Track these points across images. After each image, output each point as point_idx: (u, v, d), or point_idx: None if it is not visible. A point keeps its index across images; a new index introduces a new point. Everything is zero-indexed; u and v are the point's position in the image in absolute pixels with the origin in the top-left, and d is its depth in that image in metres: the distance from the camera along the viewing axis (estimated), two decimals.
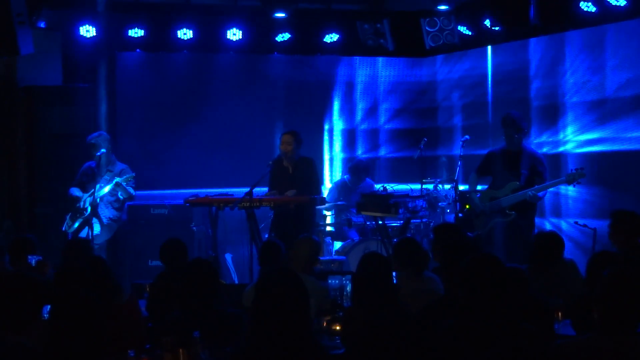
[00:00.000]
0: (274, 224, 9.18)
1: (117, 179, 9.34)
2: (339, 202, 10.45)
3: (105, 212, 9.53)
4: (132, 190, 9.47)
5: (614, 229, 6.68)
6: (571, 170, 8.71)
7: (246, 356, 3.79)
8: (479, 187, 9.31)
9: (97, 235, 9.35)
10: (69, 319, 3.84)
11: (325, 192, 10.89)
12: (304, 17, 10.95)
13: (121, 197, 9.50)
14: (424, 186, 10.10)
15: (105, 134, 9.71)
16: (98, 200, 9.39)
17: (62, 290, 4.60)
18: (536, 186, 8.65)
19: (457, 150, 10.40)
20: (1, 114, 10.28)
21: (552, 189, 9.18)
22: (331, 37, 11.17)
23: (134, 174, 9.47)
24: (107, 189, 9.37)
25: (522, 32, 10.14)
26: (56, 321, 3.87)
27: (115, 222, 9.62)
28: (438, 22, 10.86)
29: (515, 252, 8.45)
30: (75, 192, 9.54)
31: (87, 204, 9.41)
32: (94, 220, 9.41)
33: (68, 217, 9.51)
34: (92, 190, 9.35)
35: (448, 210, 10.18)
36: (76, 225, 9.43)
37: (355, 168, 10.66)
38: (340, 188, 10.65)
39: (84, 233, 9.36)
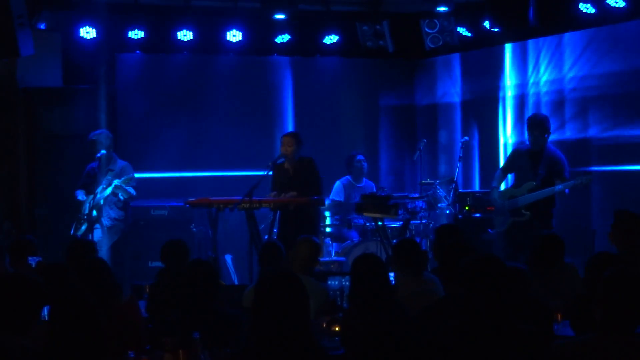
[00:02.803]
0: (276, 224, 9.18)
1: (116, 182, 9.36)
2: (335, 199, 10.48)
3: (110, 213, 9.56)
4: (132, 191, 9.49)
5: (615, 229, 6.66)
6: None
7: (246, 357, 3.80)
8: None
9: (99, 240, 9.38)
10: (69, 319, 3.85)
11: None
12: (303, 19, 10.97)
13: (122, 197, 9.53)
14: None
15: (106, 132, 9.73)
16: (101, 202, 9.42)
17: (62, 291, 4.62)
18: (565, 183, 8.53)
19: None
20: (1, 115, 10.29)
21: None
22: (331, 39, 11.20)
23: (132, 175, 9.50)
24: (107, 191, 9.39)
25: (521, 33, 10.16)
26: (56, 322, 3.88)
27: (121, 221, 9.65)
28: (437, 23, 10.88)
29: (524, 252, 8.39)
30: (80, 195, 9.56)
31: (91, 206, 9.44)
32: (96, 225, 9.44)
33: (75, 221, 9.53)
34: (95, 192, 9.38)
35: (447, 212, 10.20)
36: (83, 228, 9.46)
37: (354, 166, 10.66)
38: (347, 187, 10.66)
39: (96, 236, 9.41)
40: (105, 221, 9.55)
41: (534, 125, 8.79)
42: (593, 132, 9.94)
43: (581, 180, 8.52)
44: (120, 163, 9.63)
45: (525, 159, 8.81)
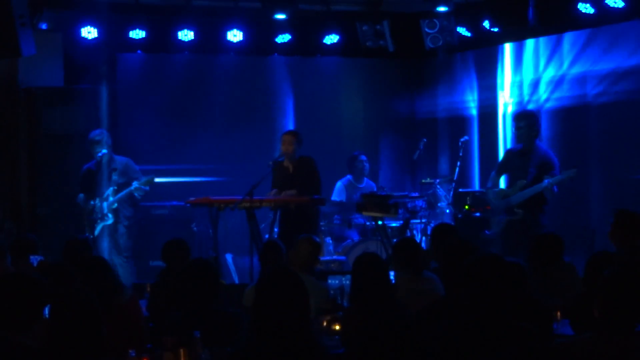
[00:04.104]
0: (277, 224, 9.20)
1: (136, 184, 9.43)
2: (336, 199, 10.51)
3: (125, 212, 9.60)
4: (147, 188, 9.57)
5: (615, 229, 6.68)
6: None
7: (246, 356, 3.81)
8: None
9: (126, 246, 9.43)
10: (69, 319, 3.86)
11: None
12: (304, 19, 10.98)
13: (138, 196, 9.59)
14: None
15: (106, 132, 9.75)
16: (115, 205, 9.45)
17: (62, 290, 4.63)
18: (552, 178, 8.62)
19: None
20: (3, 115, 10.30)
21: None
22: (331, 39, 11.21)
23: (152, 177, 9.55)
24: (123, 193, 9.44)
25: (521, 33, 10.18)
26: (57, 321, 3.89)
27: (134, 218, 9.71)
28: (437, 23, 10.88)
29: (520, 251, 8.49)
30: (83, 198, 9.53)
31: (106, 209, 9.44)
32: (120, 231, 9.46)
33: (87, 224, 9.52)
34: (106, 194, 9.40)
35: (447, 211, 10.22)
36: (98, 229, 9.47)
37: (355, 166, 10.70)
38: (348, 187, 10.68)
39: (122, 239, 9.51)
40: (124, 221, 9.57)
41: (519, 117, 8.97)
42: (593, 130, 9.96)
43: (567, 175, 8.58)
44: (120, 159, 9.66)
45: (517, 159, 8.93)
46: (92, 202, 9.51)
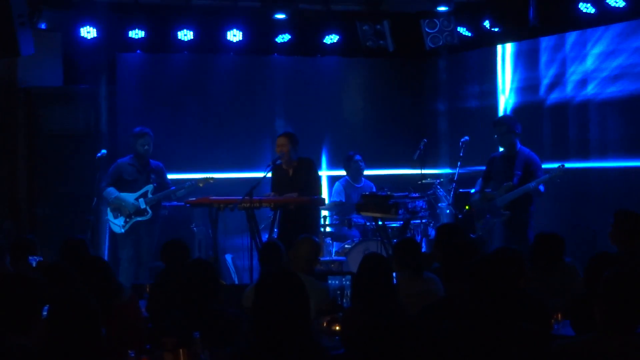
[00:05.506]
0: (277, 224, 9.19)
1: (191, 182, 9.64)
2: (336, 200, 10.51)
3: (158, 211, 9.68)
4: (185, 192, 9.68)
5: (615, 229, 6.67)
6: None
7: (246, 356, 3.80)
8: None
9: (154, 244, 9.48)
10: (68, 319, 3.85)
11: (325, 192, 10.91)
12: (304, 18, 10.98)
13: (174, 197, 9.73)
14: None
15: (148, 129, 9.78)
16: (154, 202, 9.51)
17: (61, 291, 4.62)
18: (538, 179, 8.85)
19: None
20: (2, 115, 10.30)
21: None
22: (331, 38, 11.21)
23: (191, 184, 9.66)
24: (162, 193, 9.55)
25: (522, 33, 10.19)
26: (55, 322, 3.88)
27: (162, 220, 9.80)
28: (438, 23, 10.87)
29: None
30: (115, 193, 9.50)
31: (144, 205, 9.46)
32: (151, 229, 9.51)
33: (119, 218, 9.52)
34: (145, 189, 9.43)
35: (448, 211, 10.22)
36: (129, 225, 9.48)
37: (351, 167, 10.71)
38: (346, 188, 10.67)
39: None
40: (156, 220, 9.60)
41: (499, 123, 9.27)
42: (594, 129, 9.97)
43: (555, 173, 8.80)
44: (154, 162, 9.73)
45: (501, 163, 9.19)
46: (123, 196, 9.47)
